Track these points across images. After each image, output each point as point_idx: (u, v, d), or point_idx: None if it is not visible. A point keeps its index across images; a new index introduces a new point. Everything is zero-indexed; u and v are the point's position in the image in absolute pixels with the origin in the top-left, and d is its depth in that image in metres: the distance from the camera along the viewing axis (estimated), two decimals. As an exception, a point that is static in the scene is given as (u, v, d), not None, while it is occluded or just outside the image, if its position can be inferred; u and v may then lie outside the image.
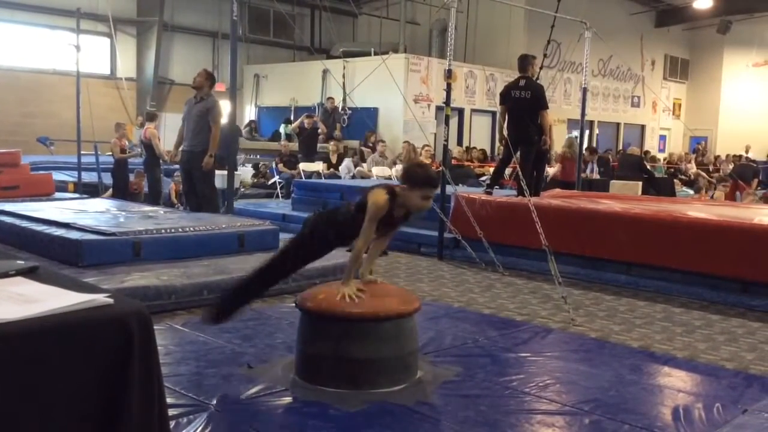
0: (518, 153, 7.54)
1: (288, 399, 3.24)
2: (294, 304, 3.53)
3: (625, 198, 8.83)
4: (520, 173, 7.21)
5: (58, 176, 10.44)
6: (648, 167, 14.19)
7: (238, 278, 3.93)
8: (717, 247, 5.96)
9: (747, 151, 20.48)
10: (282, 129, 15.92)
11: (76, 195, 9.53)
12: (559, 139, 13.48)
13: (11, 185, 8.41)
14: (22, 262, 2.16)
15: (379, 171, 12.80)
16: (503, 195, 7.96)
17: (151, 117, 10.89)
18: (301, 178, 12.02)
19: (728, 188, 11.30)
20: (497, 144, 13.18)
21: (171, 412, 2.57)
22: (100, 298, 1.78)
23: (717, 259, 5.93)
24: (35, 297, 1.77)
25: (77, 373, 1.67)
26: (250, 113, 18.33)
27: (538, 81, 8.20)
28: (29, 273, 2.02)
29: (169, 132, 12.22)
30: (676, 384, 3.71)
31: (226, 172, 7.97)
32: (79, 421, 1.70)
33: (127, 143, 10.84)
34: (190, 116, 7.68)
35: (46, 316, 1.67)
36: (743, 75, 23.40)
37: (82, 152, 10.51)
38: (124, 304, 1.82)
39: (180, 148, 7.98)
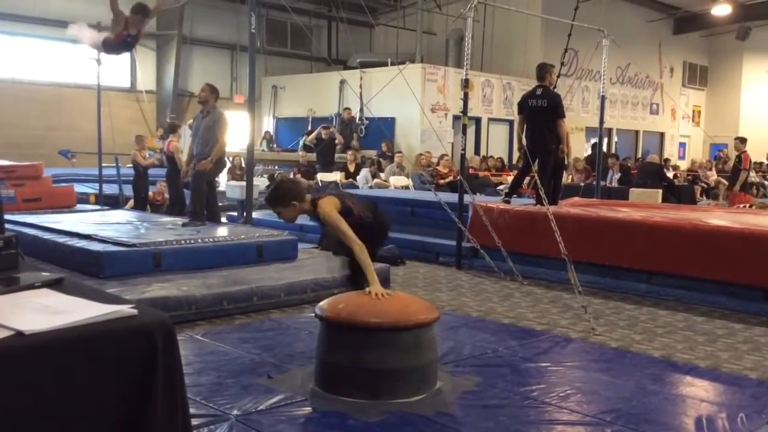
0: (536, 162, 7.52)
1: (307, 409, 3.26)
2: (313, 314, 3.54)
3: (644, 206, 8.76)
4: (538, 182, 7.20)
5: (79, 188, 10.54)
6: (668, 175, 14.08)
7: None
8: (739, 255, 5.90)
9: (768, 158, 20.20)
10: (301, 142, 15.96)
11: (98, 207, 9.62)
12: (577, 147, 13.41)
13: (33, 197, 8.51)
14: (48, 273, 2.19)
15: (396, 181, 12.80)
16: (521, 204, 7.94)
17: (173, 129, 10.97)
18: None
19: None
20: (515, 153, 13.12)
21: (192, 422, 2.58)
22: (125, 309, 1.80)
23: (739, 267, 5.87)
24: (61, 308, 1.80)
25: (102, 384, 1.69)
26: (268, 124, 18.42)
27: (555, 90, 8.18)
28: (55, 284, 2.05)
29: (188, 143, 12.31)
30: (699, 394, 3.67)
31: (244, 183, 7.96)
32: (103, 431, 1.72)
33: (147, 154, 10.92)
34: (198, 131, 7.74)
35: (72, 327, 1.69)
36: (763, 81, 23.16)
37: (103, 164, 10.63)
38: (148, 315, 1.84)
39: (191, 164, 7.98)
